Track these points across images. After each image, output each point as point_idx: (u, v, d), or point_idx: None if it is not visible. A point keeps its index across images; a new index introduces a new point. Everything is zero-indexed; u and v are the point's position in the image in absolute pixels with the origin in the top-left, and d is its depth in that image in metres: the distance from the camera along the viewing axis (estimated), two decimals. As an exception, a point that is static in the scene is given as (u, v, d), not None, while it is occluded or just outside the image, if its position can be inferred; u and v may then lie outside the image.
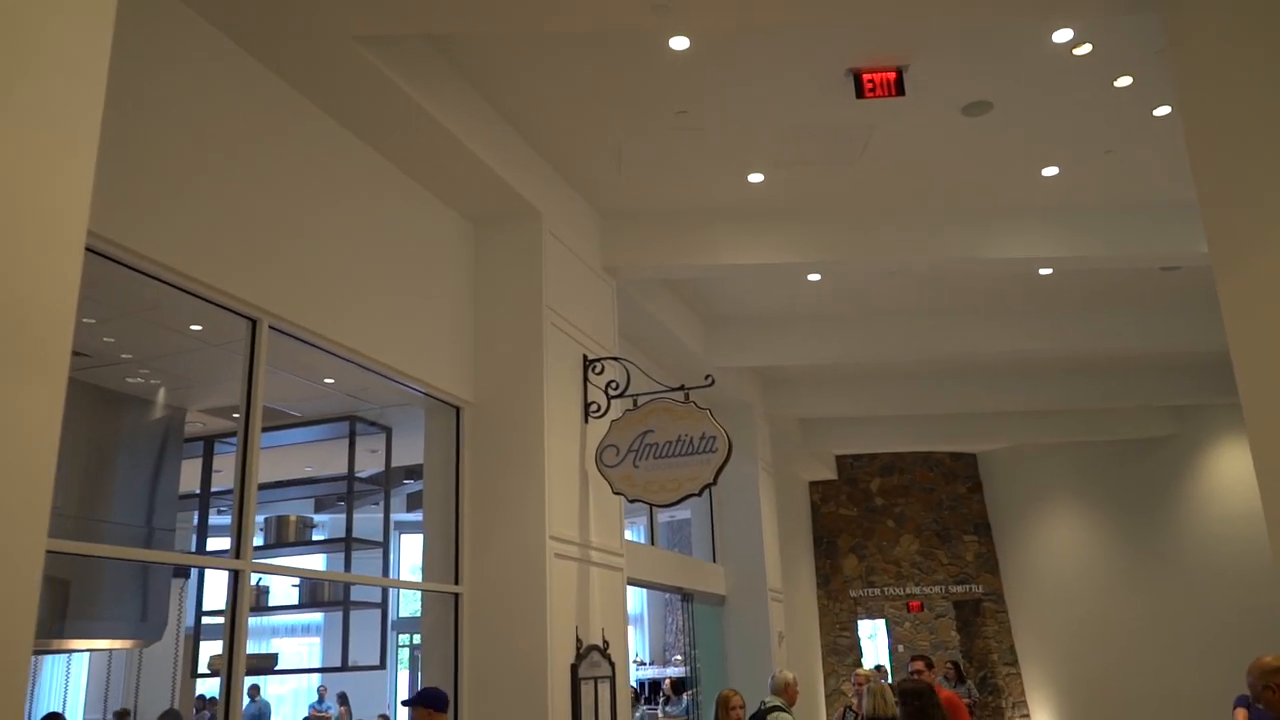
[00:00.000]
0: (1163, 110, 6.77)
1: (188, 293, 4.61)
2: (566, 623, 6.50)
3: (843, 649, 15.78)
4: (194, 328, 5.48)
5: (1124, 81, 6.41)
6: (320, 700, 15.07)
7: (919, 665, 7.60)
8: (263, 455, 5.15)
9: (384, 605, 8.06)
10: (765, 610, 11.49)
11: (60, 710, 10.06)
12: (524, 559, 6.37)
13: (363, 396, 7.03)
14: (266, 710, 13.91)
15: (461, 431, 6.73)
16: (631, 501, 6.88)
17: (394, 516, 10.73)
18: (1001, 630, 16.26)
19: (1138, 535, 14.89)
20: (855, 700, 7.54)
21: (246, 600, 4.64)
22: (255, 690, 13.99)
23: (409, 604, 14.43)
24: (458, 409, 6.75)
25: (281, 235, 5.13)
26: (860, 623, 16.71)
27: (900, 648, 19.17)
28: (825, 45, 5.91)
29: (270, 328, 5.05)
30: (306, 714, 15.02)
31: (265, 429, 5.19)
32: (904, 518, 16.60)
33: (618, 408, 7.28)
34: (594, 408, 7.29)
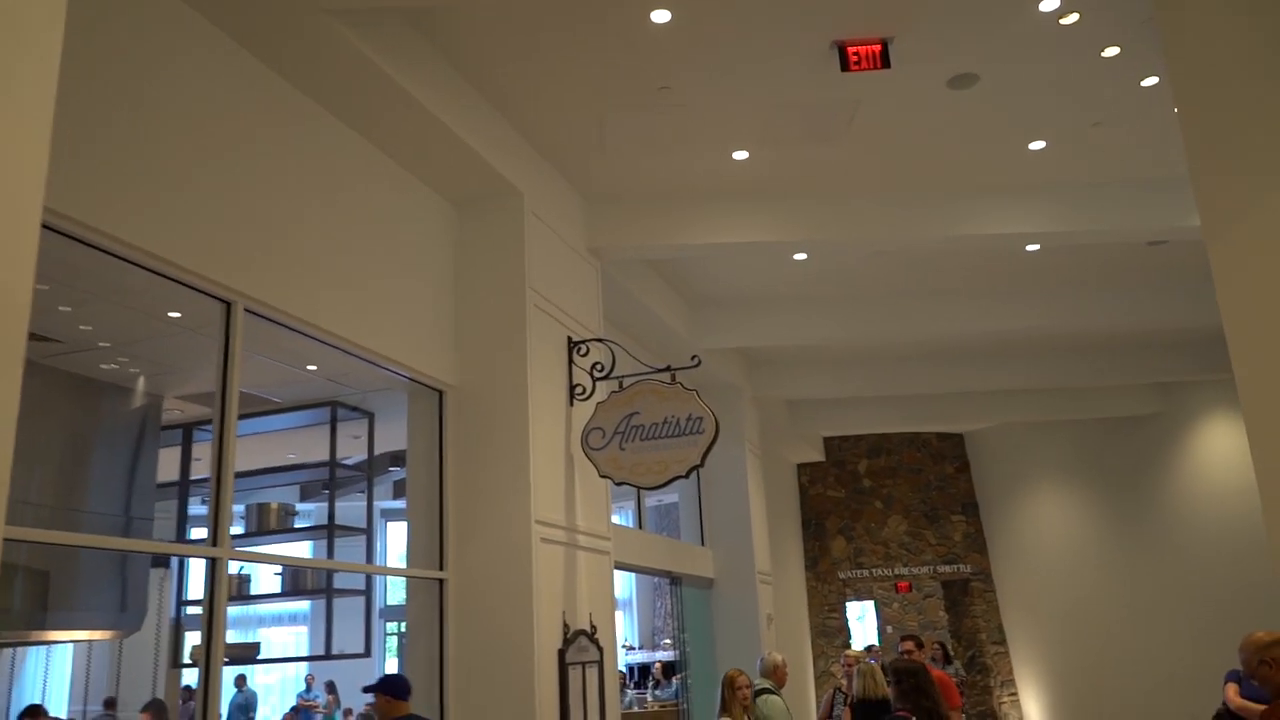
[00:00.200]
0: (1150, 81, 6.70)
1: (160, 275, 4.49)
2: (553, 608, 6.43)
3: (831, 630, 15.78)
4: (172, 315, 5.37)
5: (1111, 52, 6.33)
6: (308, 689, 15.00)
7: (909, 645, 7.58)
8: (245, 443, 5.05)
9: (368, 592, 7.98)
10: (754, 593, 11.46)
11: (41, 702, 9.95)
12: (509, 544, 6.28)
13: (344, 381, 6.92)
14: (253, 700, 13.84)
15: (445, 416, 6.63)
16: (618, 484, 6.80)
17: (380, 504, 10.65)
18: (989, 609, 16.30)
19: (1124, 513, 14.93)
20: (845, 682, 7.50)
21: (224, 589, 4.55)
22: (242, 680, 13.92)
23: (396, 592, 14.37)
24: (440, 393, 6.65)
25: (256, 216, 5.01)
26: (848, 604, 16.71)
27: (889, 628, 19.23)
28: (810, 17, 5.80)
29: (246, 310, 4.93)
30: (294, 703, 14.94)
31: (245, 415, 5.09)
32: (892, 499, 16.59)
33: (603, 390, 7.19)
34: (579, 390, 7.20)
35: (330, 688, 14.95)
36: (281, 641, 16.50)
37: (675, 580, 11.24)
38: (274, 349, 5.87)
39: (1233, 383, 4.30)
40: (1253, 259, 4.23)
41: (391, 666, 16.11)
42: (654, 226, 8.02)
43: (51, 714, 8.66)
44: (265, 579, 9.26)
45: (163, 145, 4.46)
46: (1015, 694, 15.97)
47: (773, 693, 7.29)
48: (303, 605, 14.63)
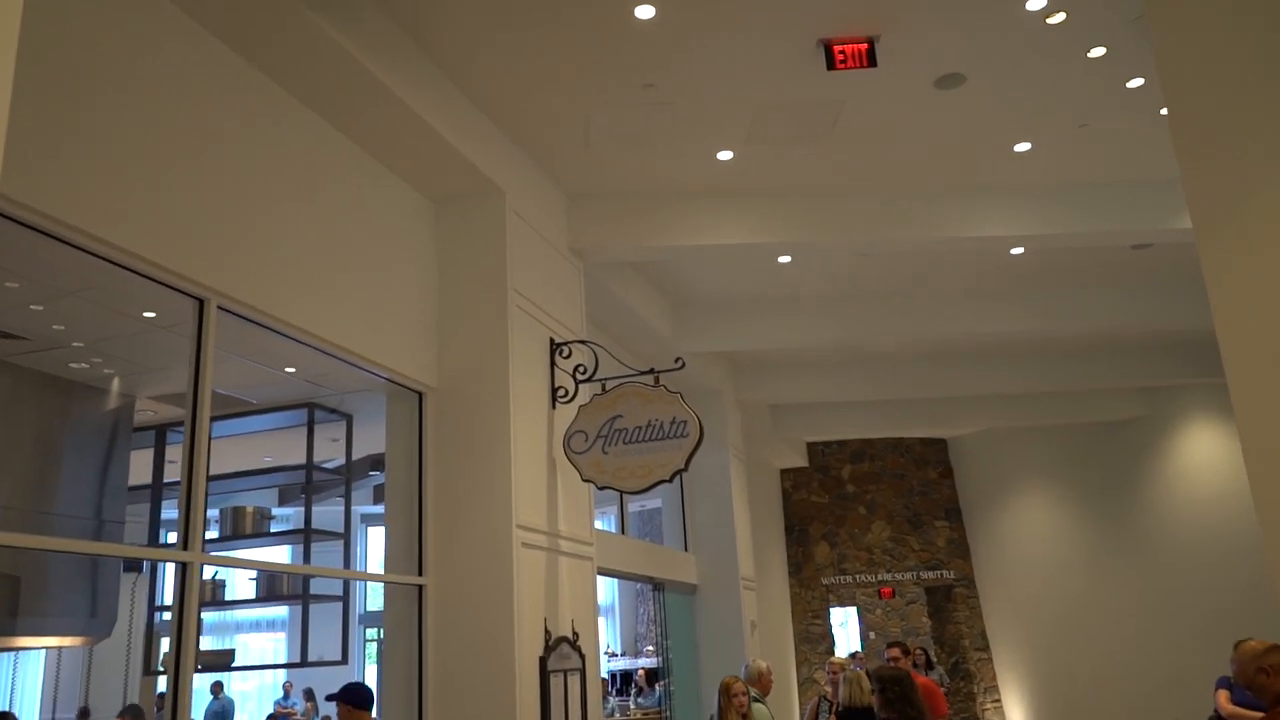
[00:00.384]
0: (1136, 82, 6.67)
1: (131, 270, 4.37)
2: (535, 614, 6.31)
3: (815, 637, 15.70)
4: (147, 315, 5.25)
5: (1098, 52, 6.30)
6: (285, 696, 14.81)
7: (895, 652, 7.49)
8: (221, 445, 4.93)
9: (346, 599, 7.84)
10: (738, 599, 11.36)
11: (10, 709, 9.77)
12: (490, 549, 6.17)
13: (322, 382, 6.79)
14: (230, 707, 13.63)
15: (424, 418, 6.51)
16: (601, 489, 6.70)
17: (361, 509, 10.50)
18: (973, 615, 16.26)
19: (1108, 517, 14.92)
20: (830, 689, 7.41)
21: (195, 594, 4.42)
22: (219, 687, 13.71)
23: (376, 598, 14.20)
24: (420, 394, 6.53)
25: (231, 212, 4.89)
26: (832, 610, 16.63)
27: (872, 634, 19.18)
28: (796, 14, 5.74)
29: (219, 308, 4.81)
30: (271, 710, 14.75)
31: (220, 417, 4.97)
32: (875, 504, 16.54)
33: (586, 392, 7.09)
34: (561, 392, 7.10)
35: (309, 695, 14.75)
36: (260, 647, 16.29)
37: (658, 586, 11.15)
38: (250, 349, 5.75)
39: (1217, 387, 4.27)
40: (1243, 256, 4.19)
41: (371, 674, 15.95)
42: (638, 227, 7.94)
43: (21, 722, 8.48)
44: (242, 584, 9.10)
45: (136, 139, 4.34)
46: (999, 700, 15.92)
47: (758, 700, 7.20)
48: (281, 611, 14.45)
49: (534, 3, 5.52)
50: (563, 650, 6.53)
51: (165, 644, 6.87)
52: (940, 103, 6.80)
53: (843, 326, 10.67)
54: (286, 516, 9.17)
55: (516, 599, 6.06)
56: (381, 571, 6.50)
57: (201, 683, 12.67)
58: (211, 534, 7.63)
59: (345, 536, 7.51)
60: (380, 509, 6.87)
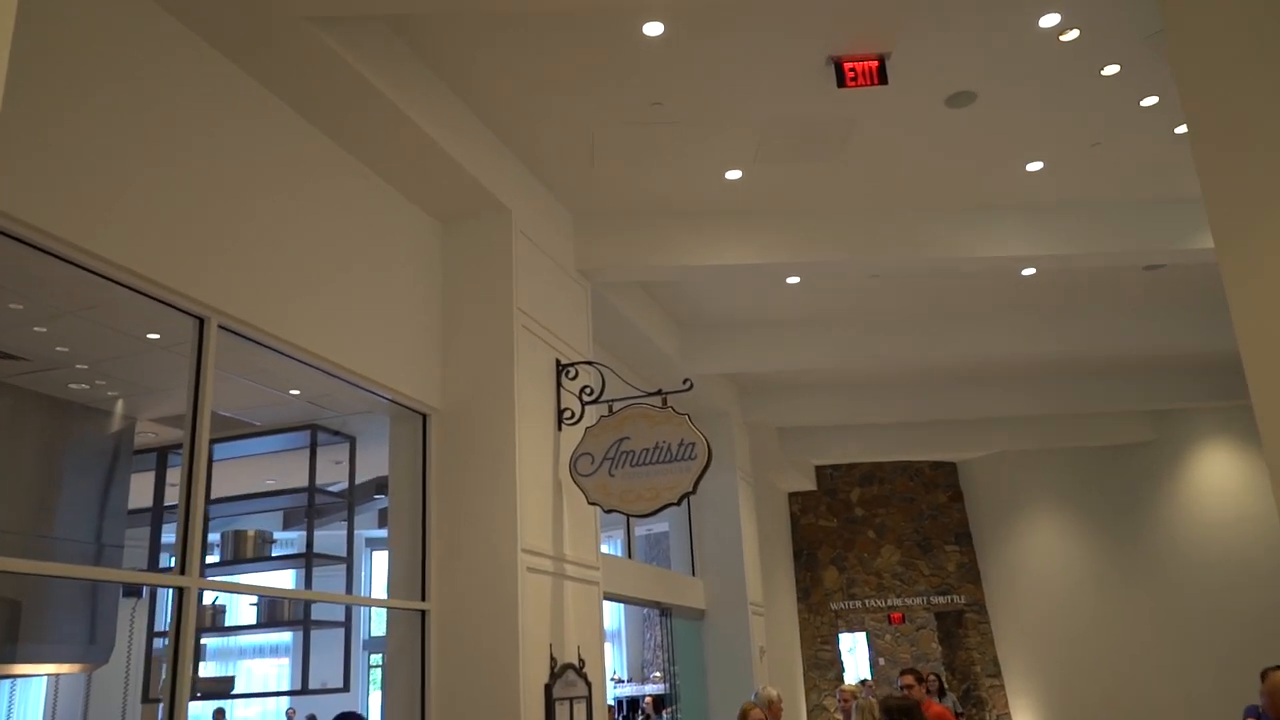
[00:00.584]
0: (1150, 100, 6.59)
1: (130, 288, 4.29)
2: (540, 640, 6.19)
3: (824, 663, 15.50)
4: (151, 336, 5.17)
5: (1111, 70, 6.22)
6: (289, 723, 14.62)
7: (909, 680, 7.35)
8: (224, 468, 4.85)
9: (348, 624, 7.72)
10: (746, 624, 11.21)
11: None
12: (495, 573, 6.05)
13: (324, 404, 6.70)
14: (232, 735, 13.48)
15: (428, 440, 6.42)
16: (607, 512, 6.58)
17: (365, 533, 10.38)
18: (984, 641, 16.05)
19: (1119, 542, 14.76)
20: (841, 717, 7.27)
21: (192, 620, 4.31)
22: (220, 714, 13.56)
23: (381, 623, 14.05)
24: (424, 416, 6.44)
25: (233, 231, 4.82)
26: (840, 636, 16.44)
27: (881, 660, 18.95)
28: (806, 31, 5.68)
29: (220, 327, 4.73)
30: (274, 737, 14.57)
31: (221, 439, 4.88)
32: (884, 528, 16.38)
33: (592, 414, 7.00)
34: (568, 414, 7.00)
35: (311, 722, 14.59)
36: (263, 674, 16.12)
37: (665, 611, 11.01)
38: (253, 370, 5.67)
39: (1229, 410, 4.16)
40: (1264, 270, 4.09)
41: (374, 701, 15.76)
42: (645, 247, 7.86)
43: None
44: (244, 610, 8.97)
45: (138, 156, 4.28)
46: (1011, 728, 15.70)
47: (767, 728, 7.06)
48: (284, 637, 14.29)
49: (542, 21, 5.46)
50: (568, 677, 6.40)
51: (165, 670, 6.77)
52: (951, 121, 6.73)
53: (851, 348, 10.58)
54: (290, 540, 9.06)
55: (521, 625, 5.94)
56: (385, 596, 6.39)
57: (203, 710, 12.51)
58: (213, 558, 7.53)
59: (348, 561, 7.39)
60: (384, 533, 6.77)
